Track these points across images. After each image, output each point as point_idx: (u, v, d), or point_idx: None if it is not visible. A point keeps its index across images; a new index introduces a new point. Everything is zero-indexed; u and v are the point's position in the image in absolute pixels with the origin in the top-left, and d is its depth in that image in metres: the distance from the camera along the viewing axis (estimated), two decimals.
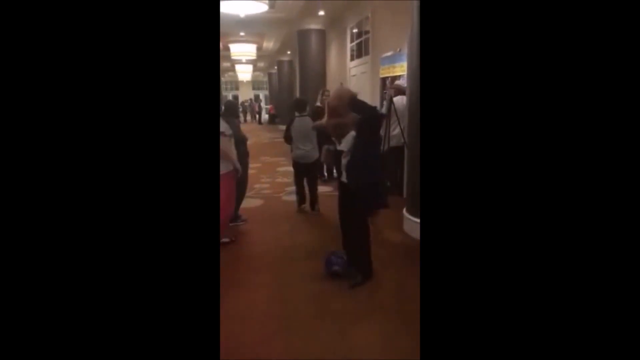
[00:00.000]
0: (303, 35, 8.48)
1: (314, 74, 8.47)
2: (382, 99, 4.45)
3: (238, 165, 2.91)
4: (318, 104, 4.61)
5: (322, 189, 4.25)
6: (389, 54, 5.20)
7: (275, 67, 15.65)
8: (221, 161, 2.63)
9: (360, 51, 7.44)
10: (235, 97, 21.53)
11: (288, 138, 3.85)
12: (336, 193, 2.78)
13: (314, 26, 8.36)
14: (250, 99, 22.39)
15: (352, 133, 2.24)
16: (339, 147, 2.36)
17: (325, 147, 3.51)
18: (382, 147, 3.79)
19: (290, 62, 14.07)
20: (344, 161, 2.33)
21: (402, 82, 4.08)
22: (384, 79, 5.35)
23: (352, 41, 7.97)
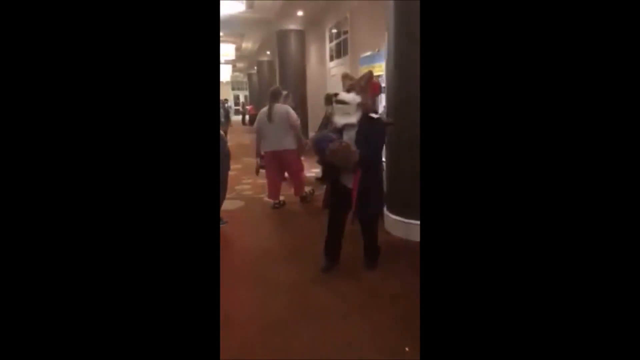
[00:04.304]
0: (282, 35, 8.46)
1: (294, 74, 8.45)
2: None
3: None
4: None
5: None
6: (367, 54, 5.25)
7: (255, 68, 15.55)
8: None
9: (339, 51, 7.48)
10: None
11: None
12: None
13: (293, 26, 8.34)
14: (225, 99, 21.02)
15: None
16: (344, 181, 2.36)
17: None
18: None
19: (270, 63, 13.99)
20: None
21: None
22: None
23: (331, 41, 8.00)
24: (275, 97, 3.89)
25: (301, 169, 4.18)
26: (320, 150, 2.30)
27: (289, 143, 3.87)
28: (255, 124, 4.03)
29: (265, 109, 3.90)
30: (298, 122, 3.90)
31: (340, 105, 2.26)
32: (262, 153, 3.98)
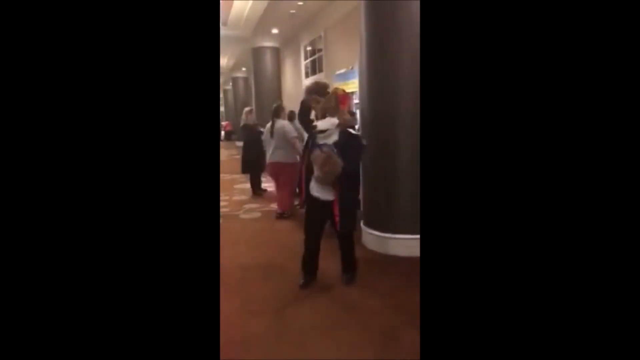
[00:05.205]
0: (258, 52, 8.53)
1: (269, 90, 8.51)
2: None
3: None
4: (245, 123, 4.89)
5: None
6: (341, 71, 5.35)
7: (231, 84, 15.54)
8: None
9: (314, 68, 7.60)
10: None
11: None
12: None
13: (268, 44, 8.44)
14: None
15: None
16: (319, 195, 2.37)
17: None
18: None
19: (246, 79, 14.02)
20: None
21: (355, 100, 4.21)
22: None
23: (306, 59, 8.12)
24: (276, 113, 4.23)
25: (290, 183, 4.22)
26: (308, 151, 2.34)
27: (285, 156, 4.12)
28: (263, 137, 4.51)
29: (269, 125, 4.25)
30: (295, 137, 4.07)
31: (322, 134, 2.30)
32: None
